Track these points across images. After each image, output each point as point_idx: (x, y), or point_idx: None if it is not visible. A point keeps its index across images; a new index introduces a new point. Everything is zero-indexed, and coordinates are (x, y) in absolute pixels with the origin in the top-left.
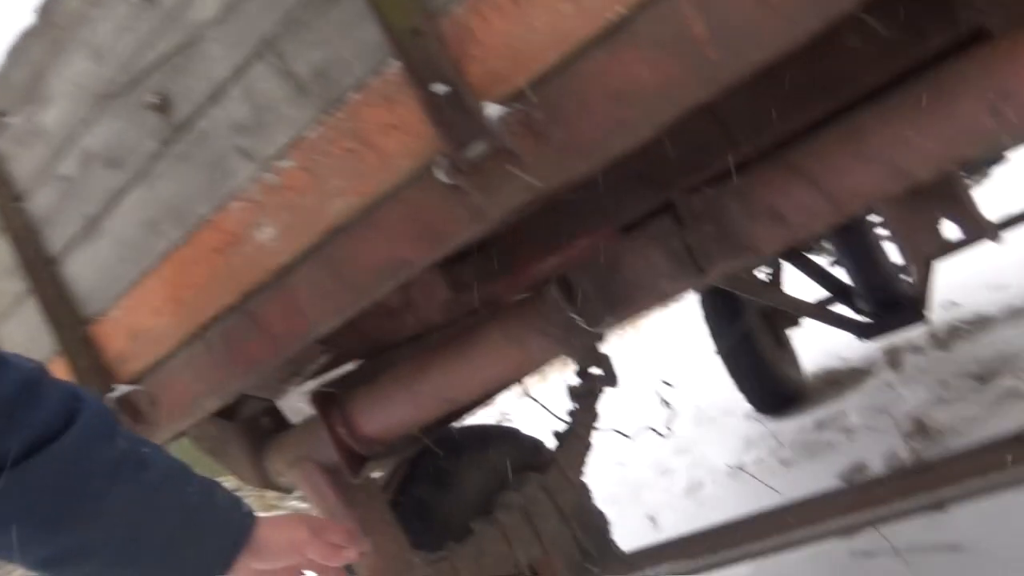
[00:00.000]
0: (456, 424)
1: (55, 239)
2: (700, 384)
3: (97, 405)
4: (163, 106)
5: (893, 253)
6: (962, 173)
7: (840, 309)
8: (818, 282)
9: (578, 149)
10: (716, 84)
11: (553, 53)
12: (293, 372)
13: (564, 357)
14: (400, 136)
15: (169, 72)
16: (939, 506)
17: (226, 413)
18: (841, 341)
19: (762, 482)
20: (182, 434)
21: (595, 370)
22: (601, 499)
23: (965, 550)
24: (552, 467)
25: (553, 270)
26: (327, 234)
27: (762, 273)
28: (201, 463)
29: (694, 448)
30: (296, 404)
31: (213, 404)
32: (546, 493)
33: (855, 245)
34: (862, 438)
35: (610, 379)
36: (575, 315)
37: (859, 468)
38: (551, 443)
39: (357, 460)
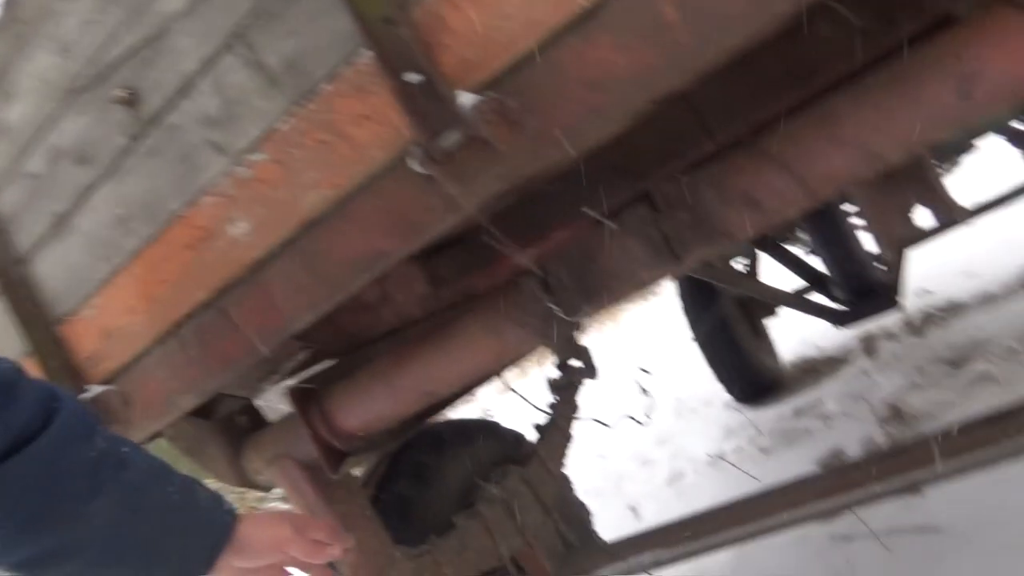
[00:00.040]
0: (436, 419)
1: (23, 238)
2: (679, 375)
3: (75, 405)
4: (132, 100)
5: (867, 242)
6: (934, 161)
7: (816, 298)
8: (794, 271)
9: (552, 137)
10: (689, 70)
11: (526, 41)
12: (270, 370)
13: (543, 349)
14: (373, 127)
15: (137, 66)
16: (915, 489)
17: (203, 412)
18: (817, 330)
19: (742, 470)
20: (158, 434)
21: (575, 362)
22: (583, 491)
23: (942, 532)
24: (533, 460)
25: (531, 262)
26: (301, 227)
27: (739, 264)
28: (179, 463)
29: (674, 439)
30: (277, 405)
31: (189, 403)
32: (527, 486)
33: (830, 234)
34: (839, 424)
35: (590, 371)
36: (552, 305)
37: (837, 454)
38: (532, 436)
39: (336, 456)
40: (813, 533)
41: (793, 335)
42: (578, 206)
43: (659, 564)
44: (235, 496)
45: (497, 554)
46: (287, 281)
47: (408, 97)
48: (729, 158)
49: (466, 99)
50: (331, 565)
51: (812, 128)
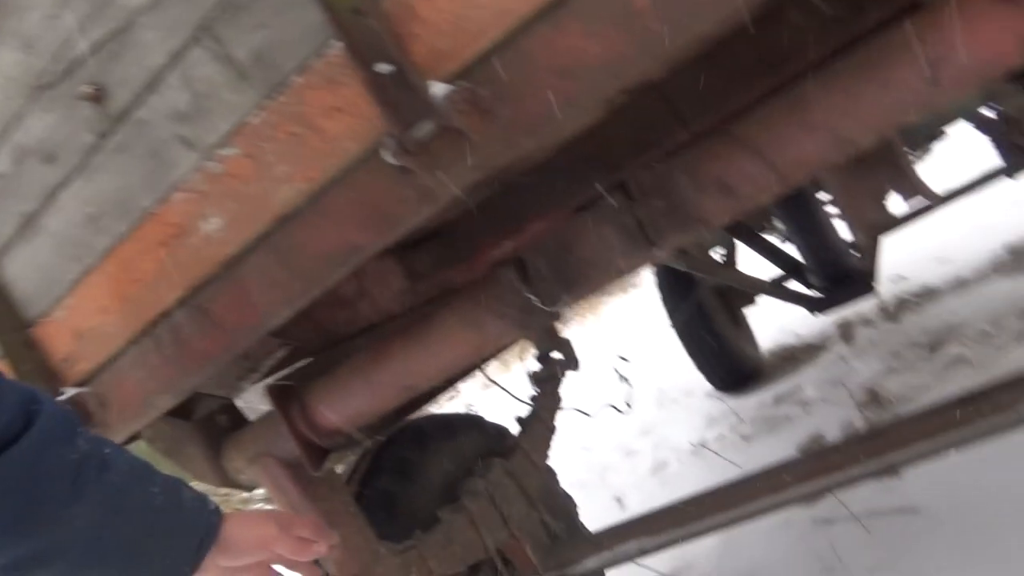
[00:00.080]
0: (419, 413)
1: None
2: (660, 366)
3: (55, 407)
4: (98, 96)
5: (843, 230)
6: (905, 149)
7: (793, 286)
8: (771, 260)
9: (525, 126)
10: (660, 56)
11: (497, 29)
12: (250, 368)
13: (523, 340)
14: (345, 118)
15: (103, 61)
16: (893, 471)
17: (182, 412)
18: (795, 318)
19: (724, 458)
20: (136, 436)
21: (556, 355)
22: (568, 483)
23: (920, 512)
24: (517, 452)
25: (509, 254)
26: (275, 222)
27: (717, 253)
28: (160, 466)
29: (657, 429)
30: (257, 405)
31: (166, 403)
32: (511, 478)
33: (805, 222)
34: (819, 410)
35: (572, 363)
36: (531, 295)
37: (817, 439)
38: (515, 430)
39: (318, 453)
40: (796, 518)
41: (772, 323)
42: (554, 198)
43: (644, 552)
44: (220, 498)
45: (483, 547)
46: (262, 277)
47: (380, 88)
48: (702, 145)
49: (438, 89)
50: (316, 562)
51: (783, 114)
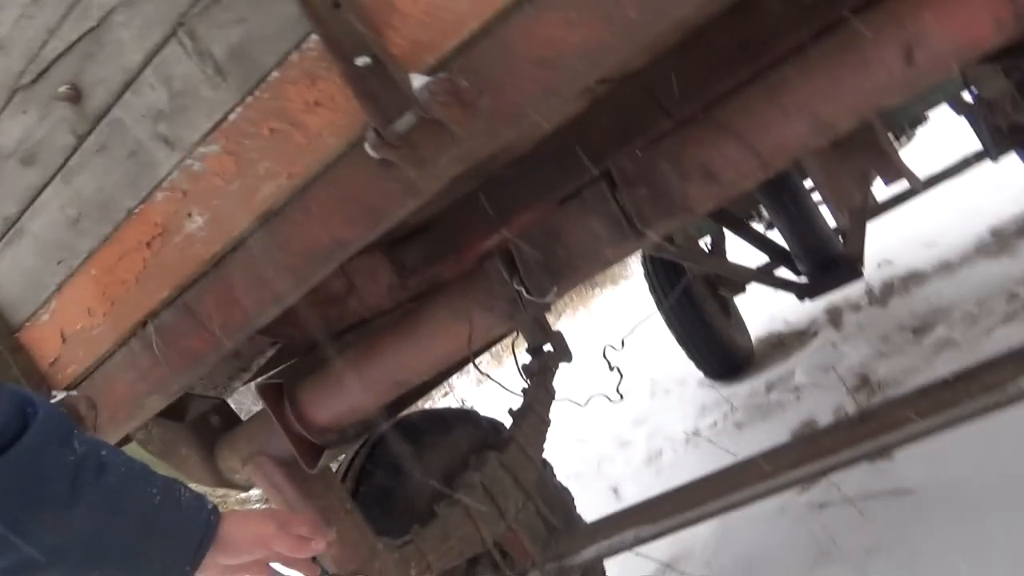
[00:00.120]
0: (412, 408)
1: None
2: (653, 357)
3: (51, 409)
4: (75, 96)
5: (830, 217)
6: (889, 134)
7: (782, 273)
8: (759, 248)
9: (507, 116)
10: (640, 43)
11: (475, 19)
12: (241, 367)
13: (512, 332)
14: (326, 113)
15: (79, 60)
16: (885, 453)
17: (174, 414)
18: (785, 306)
19: (718, 445)
20: (128, 439)
21: (548, 348)
22: (564, 476)
23: (913, 493)
24: (511, 445)
25: (496, 247)
26: (259, 219)
27: (705, 243)
28: (155, 467)
29: (651, 419)
30: (251, 406)
31: (157, 404)
32: (506, 470)
33: (791, 210)
34: (810, 396)
35: (564, 355)
36: (519, 287)
37: (809, 425)
38: (509, 423)
39: (312, 451)
40: (790, 503)
41: (762, 311)
42: (540, 189)
43: (641, 541)
44: (217, 499)
45: (481, 540)
46: (249, 275)
47: (360, 81)
48: (684, 132)
49: (418, 81)
50: (314, 559)
51: (763, 99)
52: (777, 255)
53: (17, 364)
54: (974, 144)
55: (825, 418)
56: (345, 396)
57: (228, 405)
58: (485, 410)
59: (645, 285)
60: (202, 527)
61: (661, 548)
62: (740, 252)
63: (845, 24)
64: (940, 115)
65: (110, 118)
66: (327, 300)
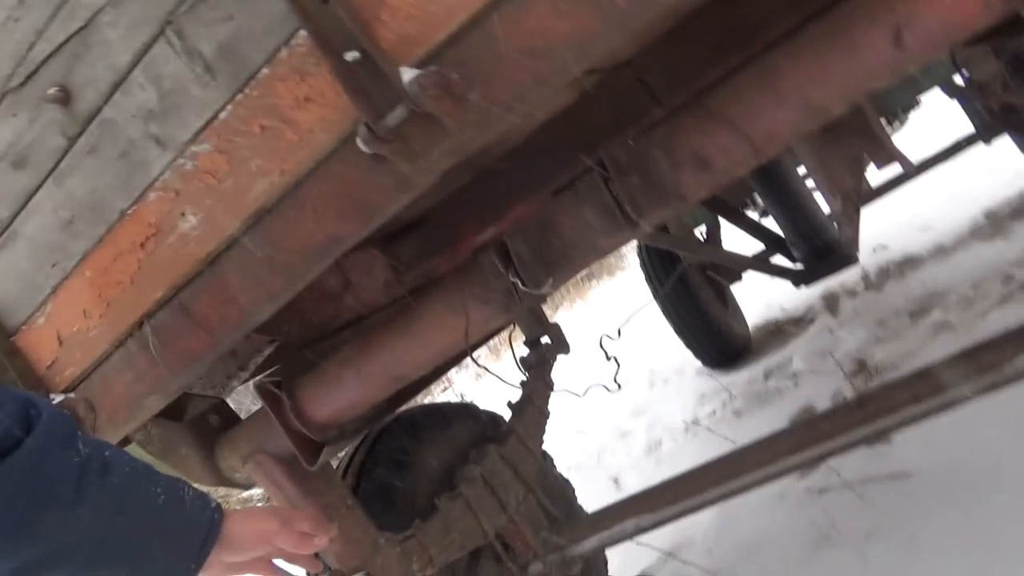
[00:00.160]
0: (411, 403)
1: None
2: (650, 347)
3: (54, 411)
4: (65, 98)
5: (824, 203)
6: (882, 119)
7: (777, 261)
8: (754, 236)
9: (497, 107)
10: (627, 31)
11: (463, 12)
12: (239, 366)
13: (509, 324)
14: (317, 109)
15: (67, 62)
16: (884, 437)
17: (173, 414)
18: (781, 293)
19: (717, 434)
20: (127, 440)
21: (546, 340)
22: (565, 467)
23: (912, 476)
24: (511, 438)
25: (491, 240)
26: (252, 217)
27: (701, 232)
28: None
29: (650, 409)
30: (250, 405)
31: (155, 404)
32: (506, 463)
33: (786, 197)
34: (808, 382)
35: (562, 347)
36: (514, 279)
37: (807, 410)
38: (508, 416)
39: (312, 448)
40: (790, 489)
41: (758, 299)
42: (533, 181)
43: (642, 530)
44: (219, 499)
45: (483, 533)
46: (244, 273)
47: (349, 76)
48: (676, 121)
49: (408, 74)
50: (317, 555)
51: (754, 86)
52: (772, 242)
53: (14, 368)
54: (967, 127)
55: (823, 404)
56: (343, 392)
57: (227, 404)
58: (484, 404)
59: (641, 276)
60: (206, 525)
61: (662, 537)
62: (735, 240)
63: (834, 8)
64: (932, 99)
65: (100, 119)
66: (323, 297)
